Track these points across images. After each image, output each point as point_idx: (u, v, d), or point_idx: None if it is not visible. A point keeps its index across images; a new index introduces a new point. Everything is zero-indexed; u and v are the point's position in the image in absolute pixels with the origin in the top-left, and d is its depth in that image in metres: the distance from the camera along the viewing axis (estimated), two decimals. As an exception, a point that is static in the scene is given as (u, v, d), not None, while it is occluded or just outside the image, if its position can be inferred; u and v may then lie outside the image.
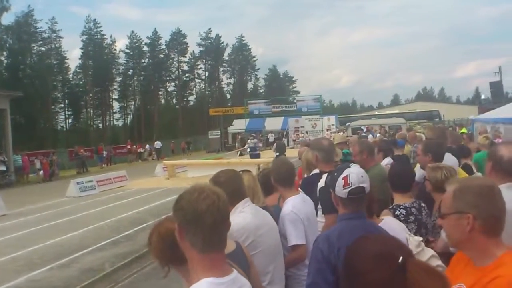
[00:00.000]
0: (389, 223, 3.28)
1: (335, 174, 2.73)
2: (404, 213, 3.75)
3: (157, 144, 46.16)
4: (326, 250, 2.55)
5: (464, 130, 20.68)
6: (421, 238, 3.32)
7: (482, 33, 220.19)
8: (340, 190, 2.65)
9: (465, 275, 1.96)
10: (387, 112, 73.02)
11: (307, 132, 40.31)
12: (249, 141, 31.52)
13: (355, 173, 2.67)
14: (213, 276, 1.72)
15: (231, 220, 3.02)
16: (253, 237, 3.10)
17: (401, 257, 1.43)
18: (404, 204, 3.81)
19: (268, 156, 22.25)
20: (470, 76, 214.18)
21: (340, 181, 2.66)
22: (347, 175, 2.65)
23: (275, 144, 18.56)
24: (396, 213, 3.73)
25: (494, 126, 16.16)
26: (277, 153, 12.21)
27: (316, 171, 4.91)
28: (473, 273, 1.91)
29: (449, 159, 5.24)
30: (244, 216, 3.12)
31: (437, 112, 59.68)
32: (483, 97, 65.07)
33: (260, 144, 34.73)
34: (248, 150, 30.09)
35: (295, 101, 52.74)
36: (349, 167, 2.75)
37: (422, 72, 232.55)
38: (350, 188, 2.63)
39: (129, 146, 43.82)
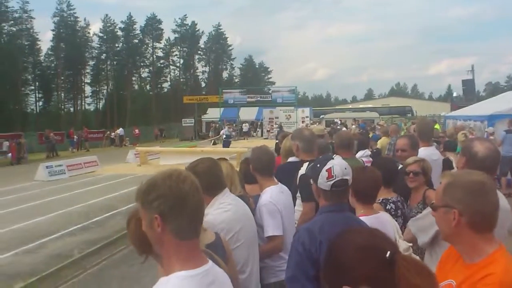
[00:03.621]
0: (383, 219, 3.22)
1: (318, 165, 2.65)
2: (394, 207, 3.76)
3: (120, 131, 45.41)
4: (307, 243, 2.47)
5: (437, 126, 20.97)
6: (410, 244, 3.27)
7: (456, 32, 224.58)
8: (323, 182, 2.58)
9: (455, 271, 1.94)
10: (361, 106, 73.84)
11: (281, 124, 40.32)
12: (222, 131, 32.02)
13: (338, 165, 2.61)
14: (186, 268, 1.63)
15: (211, 214, 3.00)
16: (234, 231, 3.05)
17: (389, 252, 1.38)
18: (392, 198, 3.82)
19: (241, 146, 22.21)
20: (443, 74, 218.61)
21: (323, 173, 2.58)
22: (331, 167, 2.58)
23: (278, 133, 18.72)
24: (387, 207, 3.73)
25: (464, 124, 16.48)
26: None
27: (292, 159, 4.89)
28: (463, 270, 1.89)
29: (435, 153, 5.31)
30: (225, 209, 3.06)
31: (410, 107, 60.51)
32: (455, 94, 66.43)
33: (234, 133, 35.04)
34: (224, 137, 30.54)
35: (270, 91, 52.68)
36: (332, 158, 2.68)
37: (396, 68, 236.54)
38: (334, 181, 2.56)
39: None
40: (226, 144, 29.49)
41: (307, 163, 4.08)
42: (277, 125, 40.60)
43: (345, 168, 2.62)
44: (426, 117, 33.28)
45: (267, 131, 42.97)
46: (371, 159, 6.47)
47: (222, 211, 3.03)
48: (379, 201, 3.77)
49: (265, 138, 38.88)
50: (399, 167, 4.45)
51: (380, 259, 1.38)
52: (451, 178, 1.97)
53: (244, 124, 46.81)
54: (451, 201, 1.88)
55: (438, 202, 1.96)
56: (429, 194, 4.02)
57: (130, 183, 16.04)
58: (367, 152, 6.64)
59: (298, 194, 4.14)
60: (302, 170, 4.07)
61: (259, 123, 48.46)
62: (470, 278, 1.82)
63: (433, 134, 8.73)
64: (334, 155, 2.93)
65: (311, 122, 41.38)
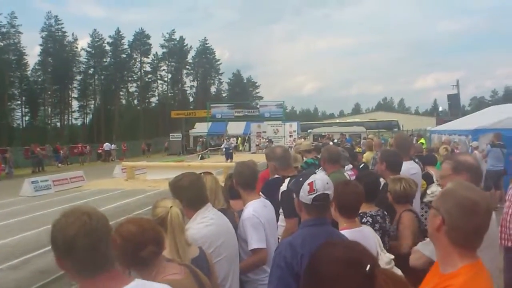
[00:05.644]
0: (366, 233, 3.25)
1: (300, 179, 2.69)
2: (371, 221, 3.77)
3: (106, 145, 45.22)
4: (289, 257, 2.48)
5: (422, 140, 21.19)
6: (392, 256, 3.32)
7: (441, 46, 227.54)
8: (305, 195, 2.62)
9: (432, 281, 1.98)
10: (348, 120, 74.11)
11: (268, 139, 40.37)
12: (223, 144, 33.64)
13: (320, 180, 2.64)
14: None
15: (193, 228, 3.02)
16: (215, 245, 3.07)
17: (369, 265, 1.38)
18: (370, 212, 3.83)
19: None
20: (429, 88, 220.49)
21: (305, 187, 2.62)
22: (313, 181, 2.62)
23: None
24: (363, 220, 3.75)
25: (449, 138, 16.66)
26: None
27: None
28: (436, 279, 1.93)
29: (413, 167, 5.34)
30: (206, 224, 3.08)
31: (397, 122, 60.85)
32: (440, 109, 67.00)
33: (233, 145, 35.88)
34: (224, 150, 32.32)
35: (258, 106, 52.87)
36: (315, 173, 2.73)
37: (383, 82, 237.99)
38: (315, 195, 2.59)
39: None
40: (228, 155, 30.73)
41: (288, 179, 4.12)
42: (264, 139, 40.78)
43: (327, 183, 2.65)
44: (404, 132, 33.61)
45: (256, 145, 42.93)
46: (353, 172, 6.51)
47: (203, 225, 3.06)
48: None
49: (253, 153, 38.80)
50: (383, 182, 4.47)
51: (360, 272, 1.37)
52: (453, 186, 1.99)
53: (232, 139, 46.77)
54: (441, 207, 1.90)
55: (434, 202, 2.01)
56: (403, 216, 4.04)
57: (117, 198, 15.97)
58: (350, 166, 6.68)
59: (281, 210, 4.16)
60: (284, 186, 4.10)
61: (246, 138, 48.44)
62: (436, 286, 1.86)
63: (417, 149, 8.84)
64: (318, 169, 2.97)
65: (299, 136, 41.42)
